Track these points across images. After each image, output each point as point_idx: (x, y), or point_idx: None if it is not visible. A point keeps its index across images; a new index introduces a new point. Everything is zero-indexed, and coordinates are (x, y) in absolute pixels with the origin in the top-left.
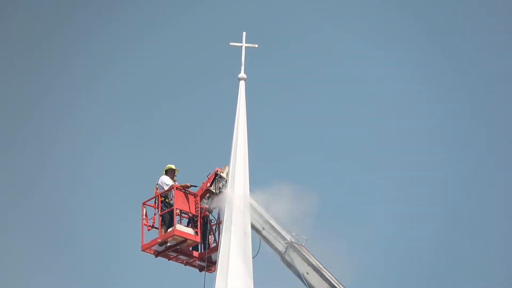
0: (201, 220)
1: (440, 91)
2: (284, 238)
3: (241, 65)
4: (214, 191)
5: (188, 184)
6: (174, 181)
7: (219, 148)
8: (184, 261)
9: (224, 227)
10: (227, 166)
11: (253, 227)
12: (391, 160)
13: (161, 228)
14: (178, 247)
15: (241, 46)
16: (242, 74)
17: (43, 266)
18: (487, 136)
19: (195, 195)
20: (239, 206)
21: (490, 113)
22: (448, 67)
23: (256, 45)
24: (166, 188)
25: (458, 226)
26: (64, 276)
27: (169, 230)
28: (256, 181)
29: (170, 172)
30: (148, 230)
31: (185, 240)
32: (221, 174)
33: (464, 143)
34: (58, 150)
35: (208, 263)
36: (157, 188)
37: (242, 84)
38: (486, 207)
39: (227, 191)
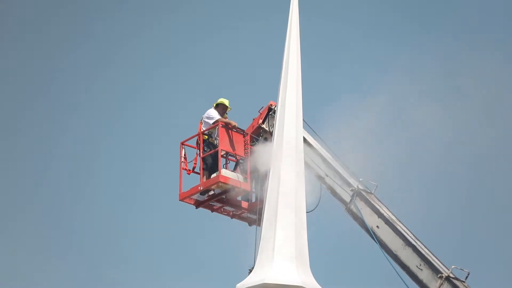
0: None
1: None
2: (349, 185)
3: None
4: (267, 129)
5: (235, 124)
6: (225, 117)
7: (272, 78)
8: (231, 213)
9: (272, 169)
10: None
11: (314, 173)
12: None
13: (203, 174)
14: (224, 197)
15: None
16: None
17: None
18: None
19: (244, 134)
20: (290, 141)
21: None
22: None
23: None
24: (211, 122)
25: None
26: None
27: (212, 175)
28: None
29: (221, 108)
30: (188, 174)
31: (232, 188)
32: (276, 108)
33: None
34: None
35: (259, 216)
36: (201, 123)
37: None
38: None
39: (276, 120)
